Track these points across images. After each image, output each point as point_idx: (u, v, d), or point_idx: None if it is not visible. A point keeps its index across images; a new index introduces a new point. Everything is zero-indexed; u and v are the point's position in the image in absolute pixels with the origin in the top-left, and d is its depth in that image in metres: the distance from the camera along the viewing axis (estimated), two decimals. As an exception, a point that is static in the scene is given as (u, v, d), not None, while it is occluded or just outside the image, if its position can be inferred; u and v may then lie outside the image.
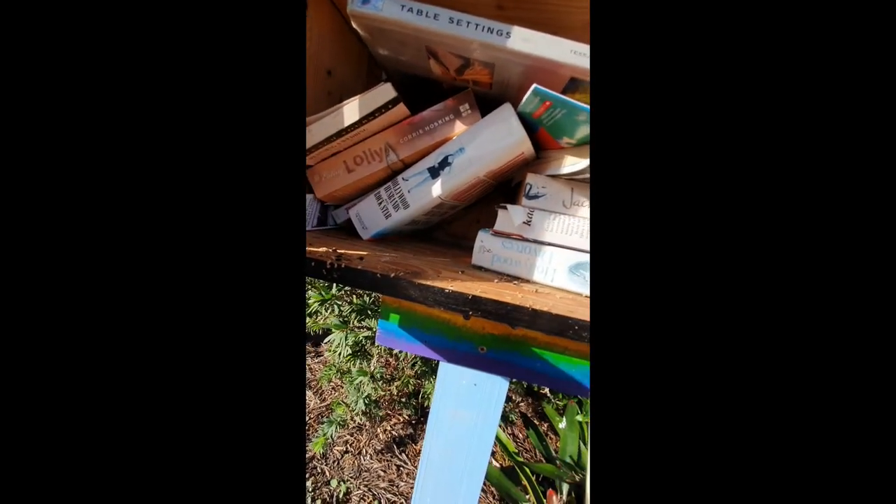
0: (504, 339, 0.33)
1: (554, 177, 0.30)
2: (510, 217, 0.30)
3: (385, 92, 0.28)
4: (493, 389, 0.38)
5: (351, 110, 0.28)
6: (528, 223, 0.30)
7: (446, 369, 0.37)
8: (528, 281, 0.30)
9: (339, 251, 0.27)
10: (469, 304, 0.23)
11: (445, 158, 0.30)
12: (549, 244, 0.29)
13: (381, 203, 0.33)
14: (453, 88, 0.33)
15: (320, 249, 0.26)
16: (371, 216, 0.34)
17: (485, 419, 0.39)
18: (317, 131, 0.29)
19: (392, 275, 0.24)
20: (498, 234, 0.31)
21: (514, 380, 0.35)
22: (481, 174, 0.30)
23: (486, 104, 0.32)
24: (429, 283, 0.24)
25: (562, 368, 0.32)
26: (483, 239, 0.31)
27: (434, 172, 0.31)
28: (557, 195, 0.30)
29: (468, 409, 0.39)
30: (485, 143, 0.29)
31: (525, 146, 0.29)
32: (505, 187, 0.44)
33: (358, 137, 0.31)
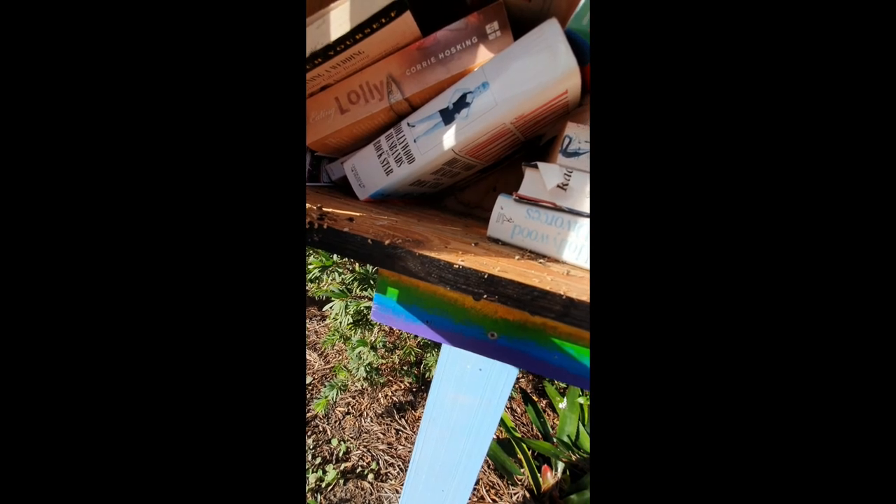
0: (520, 327, 0.29)
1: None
2: (542, 178, 0.23)
3: (387, -4, 0.21)
4: (500, 376, 0.34)
5: (340, 17, 0.21)
6: (563, 187, 0.23)
7: (450, 350, 0.33)
8: (556, 260, 0.24)
9: (323, 209, 0.21)
10: (484, 284, 0.18)
11: (463, 97, 0.24)
12: (588, 216, 0.23)
13: (381, 155, 0.27)
14: (480, 2, 0.25)
15: (300, 205, 0.21)
16: (369, 171, 0.28)
17: (488, 406, 0.36)
18: (297, 49, 0.22)
19: (387, 242, 0.19)
20: (523, 199, 0.25)
21: (525, 371, 0.31)
22: (508, 119, 0.24)
23: (521, 25, 0.24)
24: (433, 254, 0.18)
25: (585, 364, 0.28)
26: (503, 205, 0.25)
27: (448, 116, 0.24)
28: (604, 153, 0.23)
29: (471, 394, 0.36)
30: (517, 77, 0.22)
31: (572, 81, 0.22)
32: (531, 148, 0.37)
33: (353, 65, 0.24)
